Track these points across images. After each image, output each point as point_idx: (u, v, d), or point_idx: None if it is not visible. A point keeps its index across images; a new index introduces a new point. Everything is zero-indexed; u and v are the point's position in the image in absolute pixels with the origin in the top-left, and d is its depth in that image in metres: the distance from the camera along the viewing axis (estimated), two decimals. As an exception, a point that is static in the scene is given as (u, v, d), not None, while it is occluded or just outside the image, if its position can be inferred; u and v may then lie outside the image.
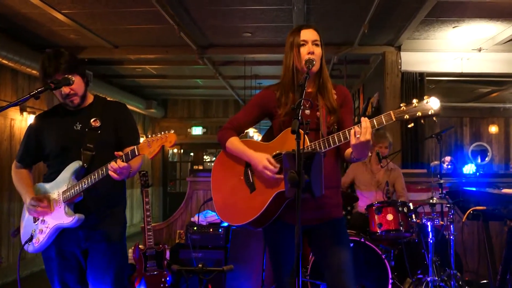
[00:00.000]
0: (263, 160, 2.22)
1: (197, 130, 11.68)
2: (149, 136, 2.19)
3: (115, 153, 2.25)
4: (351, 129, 2.03)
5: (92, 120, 2.43)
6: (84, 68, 2.47)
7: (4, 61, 5.60)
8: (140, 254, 4.44)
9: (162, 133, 2.16)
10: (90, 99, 2.55)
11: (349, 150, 2.20)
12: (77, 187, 2.32)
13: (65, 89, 2.35)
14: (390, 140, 4.71)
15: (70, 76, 2.33)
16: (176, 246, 4.97)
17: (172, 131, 2.16)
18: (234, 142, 2.39)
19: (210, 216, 4.90)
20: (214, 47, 6.78)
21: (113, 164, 2.23)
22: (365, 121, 1.98)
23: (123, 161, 2.22)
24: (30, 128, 2.54)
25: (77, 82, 2.39)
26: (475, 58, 6.47)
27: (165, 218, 10.12)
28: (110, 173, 2.24)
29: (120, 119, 2.52)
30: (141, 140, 2.29)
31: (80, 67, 2.43)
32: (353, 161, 2.28)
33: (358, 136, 1.98)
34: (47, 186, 2.45)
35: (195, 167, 12.22)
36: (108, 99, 2.63)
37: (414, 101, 1.99)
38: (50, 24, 5.65)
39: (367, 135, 1.97)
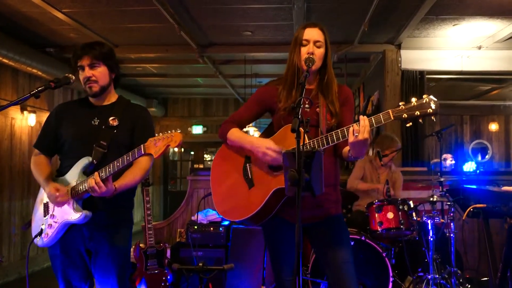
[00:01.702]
0: (265, 142, 2.24)
1: (197, 129, 11.69)
2: (156, 134, 2.19)
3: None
4: (350, 127, 2.03)
5: (111, 118, 2.44)
6: (115, 63, 2.51)
7: (5, 60, 5.60)
8: (140, 253, 4.44)
9: (169, 132, 2.15)
10: (113, 98, 2.56)
11: (346, 148, 2.21)
12: (86, 184, 2.30)
13: (87, 73, 2.39)
14: (399, 144, 4.73)
15: (93, 61, 2.37)
16: (177, 244, 4.98)
17: (179, 131, 2.15)
18: (235, 133, 2.41)
19: (210, 214, 4.91)
20: (214, 46, 6.78)
21: (90, 181, 2.23)
22: (363, 119, 1.99)
23: (103, 178, 2.21)
24: (51, 114, 2.56)
25: (102, 71, 2.43)
26: (475, 56, 6.47)
27: (165, 216, 10.14)
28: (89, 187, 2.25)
29: (139, 123, 2.52)
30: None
31: (111, 60, 2.48)
32: (350, 160, 2.28)
33: (356, 134, 1.98)
34: (58, 180, 2.46)
35: (196, 166, 12.22)
36: (132, 102, 2.65)
37: (413, 100, 1.99)
38: (50, 23, 5.66)
39: (365, 134, 1.97)
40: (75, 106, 2.56)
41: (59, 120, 2.50)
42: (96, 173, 2.23)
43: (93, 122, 2.44)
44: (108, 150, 2.38)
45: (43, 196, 2.53)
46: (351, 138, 2.00)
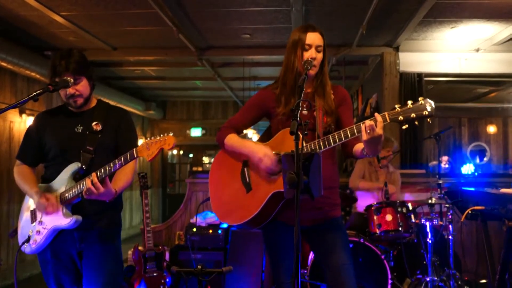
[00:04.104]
0: (262, 148, 2.24)
1: (196, 132, 11.69)
2: (148, 138, 2.19)
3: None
4: (360, 125, 2.04)
5: (94, 123, 2.44)
6: (92, 71, 2.49)
7: (3, 64, 5.60)
8: (139, 256, 4.44)
9: (161, 135, 2.16)
10: (93, 102, 2.56)
11: (358, 146, 2.22)
12: (75, 189, 2.31)
13: (71, 90, 2.36)
14: (396, 144, 4.76)
15: (75, 76, 2.35)
16: (176, 247, 4.98)
17: (171, 134, 2.15)
18: (232, 138, 2.41)
19: (209, 217, 4.91)
20: (213, 49, 6.79)
21: (87, 182, 2.22)
22: (378, 116, 2.00)
23: (99, 180, 2.21)
24: (32, 125, 2.55)
25: (84, 85, 2.42)
26: (473, 59, 6.49)
27: (164, 219, 10.13)
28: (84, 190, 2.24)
29: (121, 126, 2.53)
30: (140, 142, 2.28)
31: (89, 70, 2.45)
32: (361, 157, 2.29)
33: (369, 131, 1.99)
34: (46, 187, 2.45)
35: (194, 168, 12.22)
36: (111, 104, 2.65)
37: (409, 102, 2.01)
38: (49, 26, 5.66)
39: (380, 130, 1.98)
40: (56, 114, 2.55)
41: (41, 130, 2.49)
42: (93, 174, 2.23)
43: (76, 129, 2.45)
44: (95, 155, 2.40)
45: (29, 204, 2.52)
46: (364, 136, 2.01)
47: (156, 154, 2.15)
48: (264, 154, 2.22)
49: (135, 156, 2.20)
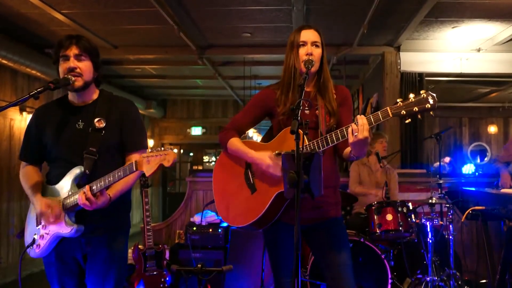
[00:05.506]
0: (266, 159, 2.23)
1: (196, 130, 11.69)
2: (150, 150, 2.09)
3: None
4: (349, 127, 2.03)
5: (96, 120, 2.28)
6: (99, 60, 2.37)
7: (4, 61, 5.60)
8: (139, 254, 4.44)
9: (162, 149, 2.06)
10: (95, 94, 2.39)
11: (348, 149, 2.20)
12: (77, 196, 2.19)
13: (71, 63, 2.25)
14: (385, 136, 4.81)
15: (80, 51, 2.27)
16: (176, 246, 4.97)
17: (172, 149, 2.07)
18: (235, 143, 2.38)
19: (209, 216, 4.90)
20: (214, 48, 6.79)
21: (81, 196, 2.12)
22: (361, 118, 1.98)
23: (94, 193, 2.13)
24: (31, 121, 2.44)
25: (87, 65, 2.29)
26: (474, 59, 6.48)
27: (164, 218, 10.13)
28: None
29: (126, 120, 2.37)
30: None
31: (96, 56, 2.35)
32: (351, 160, 2.28)
33: (355, 134, 1.98)
34: (49, 189, 2.35)
35: (195, 167, 12.22)
36: (114, 94, 2.47)
37: (411, 96, 1.99)
38: (49, 24, 5.65)
39: (365, 132, 1.96)
40: (55, 107, 2.40)
41: (41, 126, 2.37)
42: (87, 187, 2.13)
43: (77, 125, 2.30)
44: (99, 156, 2.26)
45: None
46: (350, 138, 2.00)
47: (156, 170, 2.06)
48: (268, 166, 2.21)
49: (135, 169, 2.10)
